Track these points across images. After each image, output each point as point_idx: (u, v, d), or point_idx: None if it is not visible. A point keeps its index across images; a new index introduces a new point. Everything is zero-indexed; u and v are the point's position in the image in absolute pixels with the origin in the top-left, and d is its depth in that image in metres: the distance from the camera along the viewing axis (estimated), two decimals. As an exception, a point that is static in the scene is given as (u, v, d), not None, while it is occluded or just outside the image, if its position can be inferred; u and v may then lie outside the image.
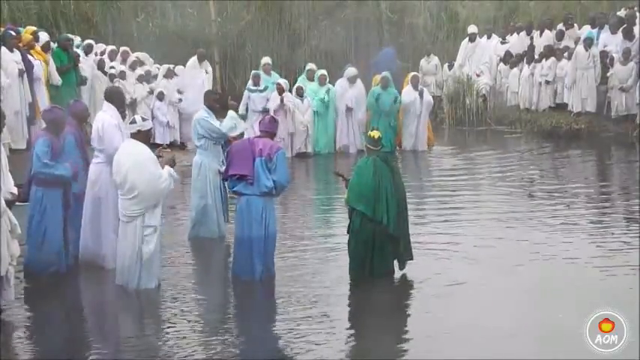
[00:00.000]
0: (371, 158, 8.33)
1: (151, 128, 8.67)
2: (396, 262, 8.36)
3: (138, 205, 7.83)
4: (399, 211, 8.24)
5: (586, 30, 19.06)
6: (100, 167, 8.59)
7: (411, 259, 8.43)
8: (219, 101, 10.35)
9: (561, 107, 18.68)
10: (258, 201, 8.14)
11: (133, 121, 8.06)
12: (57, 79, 15.39)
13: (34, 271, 8.31)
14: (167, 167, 8.01)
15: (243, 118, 15.01)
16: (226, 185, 9.12)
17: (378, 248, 8.19)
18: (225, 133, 9.77)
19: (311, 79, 16.98)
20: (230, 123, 9.83)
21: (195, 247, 9.77)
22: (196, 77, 17.46)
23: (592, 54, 17.71)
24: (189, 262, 9.38)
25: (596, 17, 19.06)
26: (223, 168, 9.68)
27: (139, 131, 7.99)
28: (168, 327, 7.26)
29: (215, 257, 9.72)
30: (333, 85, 16.84)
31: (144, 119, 8.25)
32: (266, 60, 17.61)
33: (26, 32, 15.37)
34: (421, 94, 16.53)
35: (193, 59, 17.76)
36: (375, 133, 8.41)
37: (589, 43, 17.83)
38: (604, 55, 17.85)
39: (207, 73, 17.94)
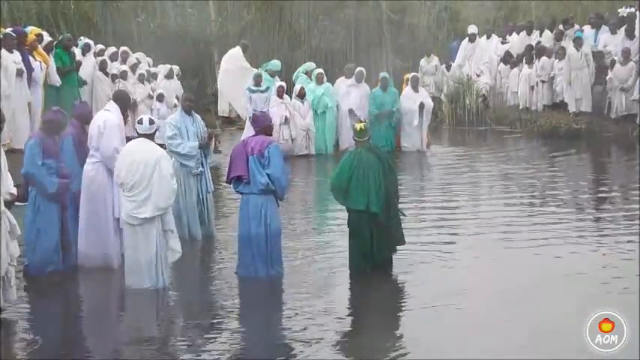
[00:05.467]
0: (355, 150, 8.46)
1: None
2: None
3: (147, 206, 7.80)
4: (389, 199, 8.28)
5: (586, 30, 19.07)
6: (96, 167, 8.52)
7: (403, 243, 8.50)
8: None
9: (560, 106, 18.66)
10: (256, 199, 8.19)
11: (152, 122, 8.08)
12: (56, 80, 15.38)
13: (31, 270, 8.30)
14: None
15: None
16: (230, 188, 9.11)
17: (376, 237, 8.26)
18: (175, 152, 9.54)
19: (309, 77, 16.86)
20: (188, 148, 9.64)
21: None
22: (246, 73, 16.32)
23: (584, 53, 17.68)
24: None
25: (594, 18, 19.06)
26: (199, 170, 9.69)
27: (155, 131, 8.08)
28: (171, 327, 7.27)
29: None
30: (332, 85, 16.76)
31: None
32: (276, 62, 17.31)
33: (31, 33, 15.35)
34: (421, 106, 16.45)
35: (237, 51, 16.50)
36: (359, 125, 8.56)
37: (579, 42, 17.83)
38: (601, 55, 17.84)
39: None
